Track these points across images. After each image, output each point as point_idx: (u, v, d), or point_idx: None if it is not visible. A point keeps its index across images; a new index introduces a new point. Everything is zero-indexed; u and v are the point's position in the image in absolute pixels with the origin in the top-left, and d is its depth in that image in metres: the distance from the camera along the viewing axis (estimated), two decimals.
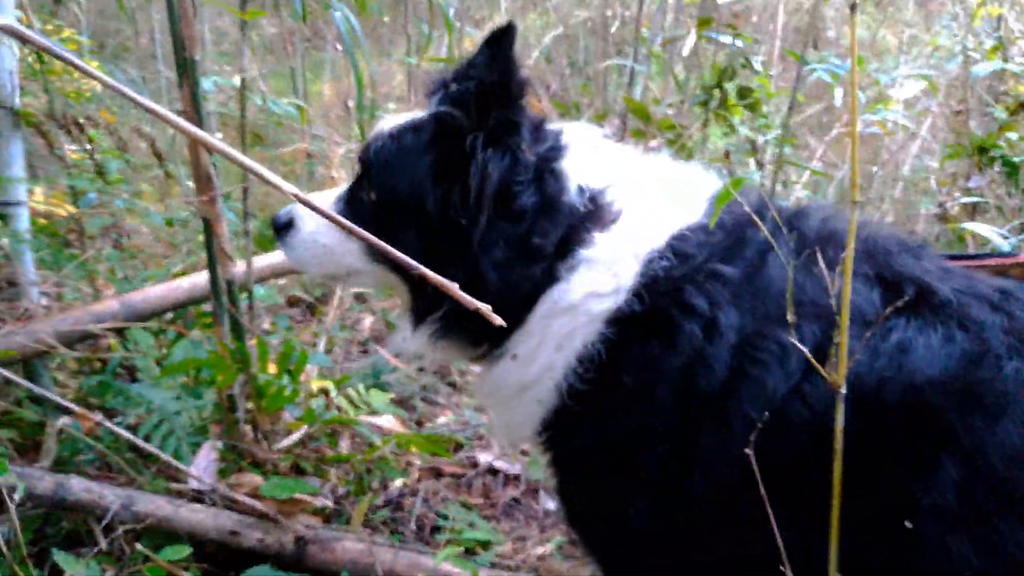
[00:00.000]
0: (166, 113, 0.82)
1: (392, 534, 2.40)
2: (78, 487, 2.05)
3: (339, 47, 6.10)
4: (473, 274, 1.41)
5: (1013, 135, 3.87)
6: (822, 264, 1.14)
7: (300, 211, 1.64)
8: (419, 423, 3.13)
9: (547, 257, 1.43)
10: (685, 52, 4.71)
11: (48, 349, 2.34)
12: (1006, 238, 2.58)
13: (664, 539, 1.39)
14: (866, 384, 1.19)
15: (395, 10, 6.83)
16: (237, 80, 2.38)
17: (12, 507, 1.75)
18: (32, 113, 2.90)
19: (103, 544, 2.01)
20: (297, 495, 2.17)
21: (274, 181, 0.78)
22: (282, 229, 1.66)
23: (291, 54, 4.57)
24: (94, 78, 0.83)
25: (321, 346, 3.35)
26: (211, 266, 2.23)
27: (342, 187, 1.69)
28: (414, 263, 0.83)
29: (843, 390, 1.06)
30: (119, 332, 2.68)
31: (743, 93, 3.80)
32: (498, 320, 0.81)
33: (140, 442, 2.01)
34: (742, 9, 5.80)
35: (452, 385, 3.45)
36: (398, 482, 2.66)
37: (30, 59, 3.09)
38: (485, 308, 0.81)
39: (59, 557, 1.86)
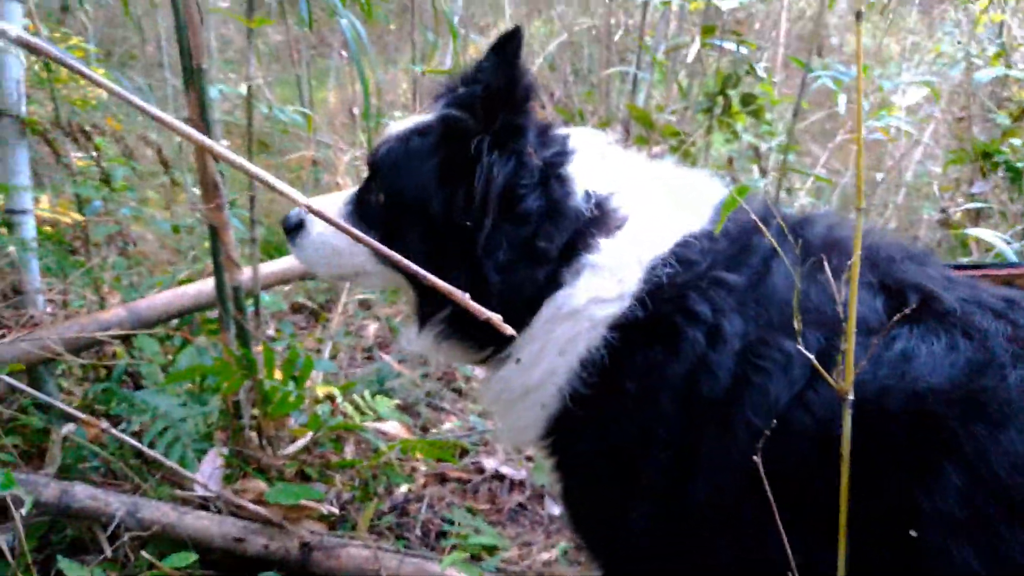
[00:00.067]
0: (173, 121, 0.83)
1: (397, 540, 2.40)
2: (83, 494, 2.06)
3: (345, 54, 6.12)
4: (476, 276, 1.42)
5: (1016, 141, 3.87)
6: (828, 271, 1.14)
7: None
8: (424, 429, 3.13)
9: (551, 261, 1.43)
10: (689, 59, 4.72)
11: (53, 356, 2.35)
12: (1009, 243, 2.57)
13: (666, 544, 1.39)
14: (869, 392, 1.18)
15: (401, 18, 6.87)
16: (243, 88, 2.39)
17: (17, 515, 1.76)
18: (38, 121, 2.92)
19: (108, 551, 2.01)
20: (302, 501, 2.17)
21: (282, 188, 0.78)
22: (292, 230, 1.68)
23: (297, 62, 4.58)
24: (101, 86, 0.84)
25: (326, 352, 3.35)
26: (217, 273, 2.24)
27: (352, 190, 1.70)
28: (423, 272, 0.83)
29: (851, 396, 1.06)
30: (125, 339, 2.69)
31: (747, 100, 3.80)
32: (509, 330, 0.81)
33: (145, 449, 2.01)
34: (745, 16, 5.81)
35: (457, 391, 3.45)
36: (403, 488, 2.65)
37: (36, 67, 3.11)
38: (496, 318, 0.81)
39: (64, 564, 1.86)
